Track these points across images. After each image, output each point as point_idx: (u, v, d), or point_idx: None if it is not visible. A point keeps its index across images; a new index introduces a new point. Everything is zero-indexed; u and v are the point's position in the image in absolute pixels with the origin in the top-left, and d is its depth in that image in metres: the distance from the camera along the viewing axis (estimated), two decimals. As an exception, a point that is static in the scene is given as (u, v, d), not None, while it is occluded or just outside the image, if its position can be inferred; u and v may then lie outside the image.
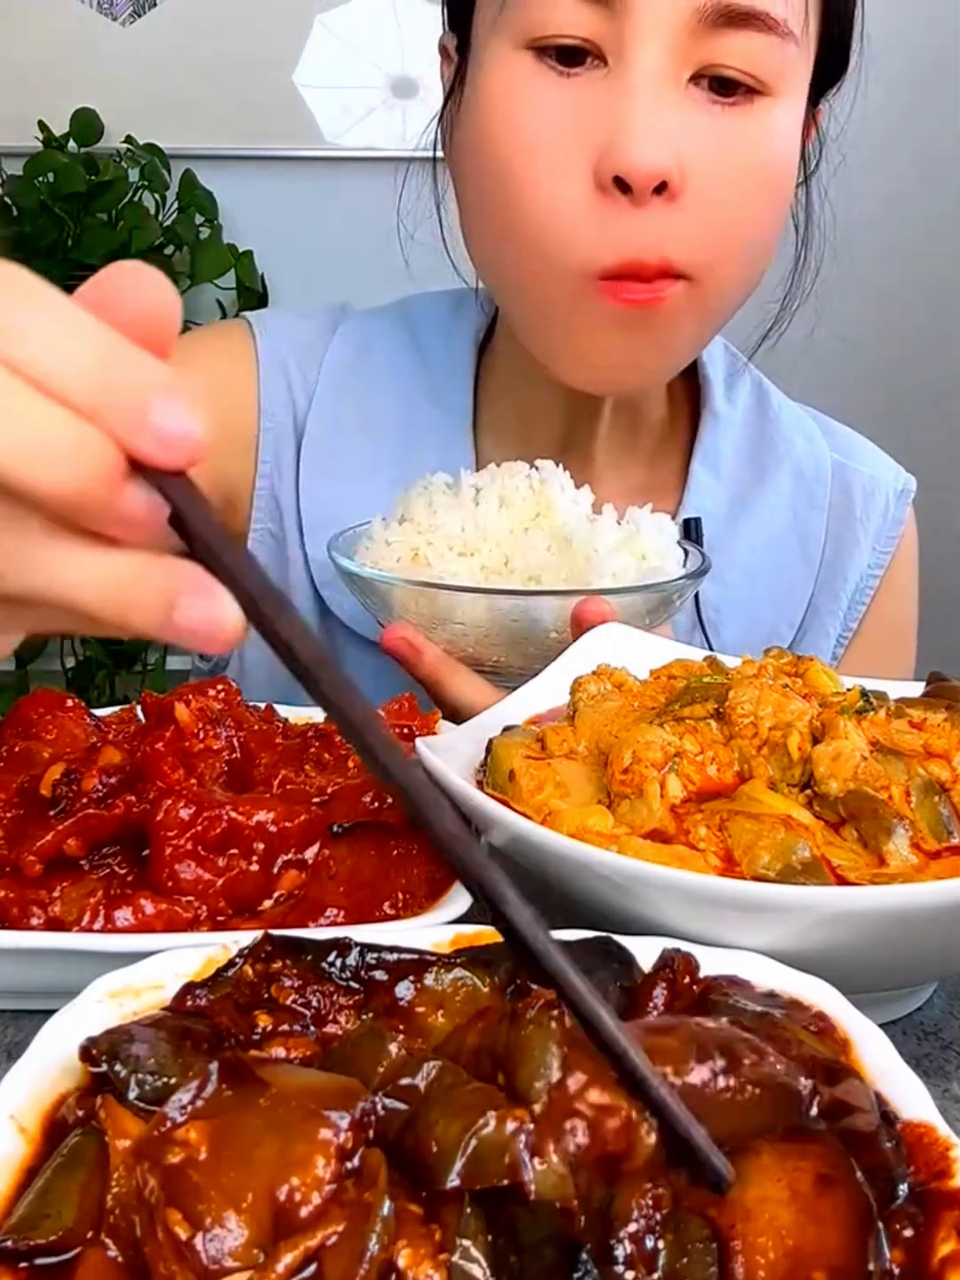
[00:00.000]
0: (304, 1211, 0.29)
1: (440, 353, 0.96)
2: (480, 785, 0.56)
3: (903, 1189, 0.33)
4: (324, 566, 0.92)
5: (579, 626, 0.70)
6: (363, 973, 0.39)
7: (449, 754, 0.56)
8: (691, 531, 0.94)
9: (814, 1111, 0.34)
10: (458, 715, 0.72)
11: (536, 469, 0.81)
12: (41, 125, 2.34)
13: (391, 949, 0.40)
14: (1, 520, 0.34)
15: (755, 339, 0.97)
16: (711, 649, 0.89)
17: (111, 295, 0.34)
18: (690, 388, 1.00)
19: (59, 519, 0.34)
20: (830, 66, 0.83)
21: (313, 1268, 0.29)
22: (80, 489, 0.33)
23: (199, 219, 2.39)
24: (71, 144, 2.36)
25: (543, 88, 0.74)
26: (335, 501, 0.91)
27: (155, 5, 2.43)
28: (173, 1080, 0.34)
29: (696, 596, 0.94)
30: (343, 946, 0.39)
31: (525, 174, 0.75)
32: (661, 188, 0.73)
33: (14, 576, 0.35)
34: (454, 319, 0.98)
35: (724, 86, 0.74)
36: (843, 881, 0.48)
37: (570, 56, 0.73)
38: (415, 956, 0.40)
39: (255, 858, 0.54)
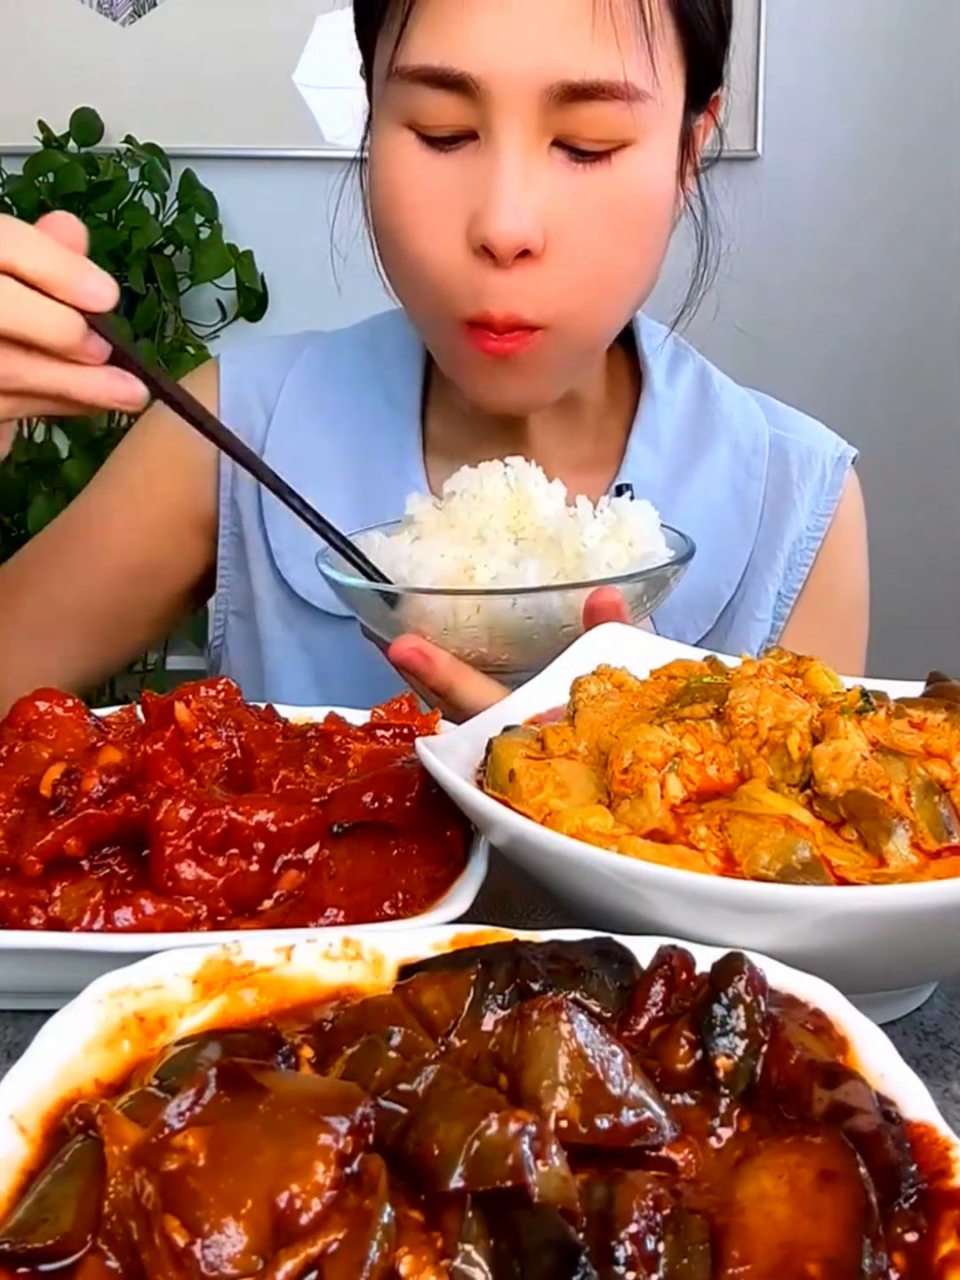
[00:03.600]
0: (304, 1218, 0.29)
1: (395, 356, 1.05)
2: (480, 785, 0.56)
3: (908, 1188, 0.33)
4: (284, 553, 1.00)
5: (592, 617, 0.72)
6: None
7: (449, 754, 0.56)
8: (622, 496, 0.98)
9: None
10: (471, 717, 0.74)
11: (508, 467, 0.84)
12: (41, 125, 2.33)
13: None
14: (21, 353, 0.66)
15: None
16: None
17: (53, 228, 0.68)
18: (631, 368, 1.06)
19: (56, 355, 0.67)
20: (709, 76, 0.87)
21: (313, 1275, 0.29)
22: (66, 340, 0.67)
23: (199, 219, 2.39)
24: (71, 144, 2.36)
25: (424, 164, 0.82)
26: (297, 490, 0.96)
27: (155, 5, 2.43)
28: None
29: None
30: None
31: (411, 239, 0.84)
32: (525, 252, 0.80)
33: (29, 377, 0.67)
34: (411, 325, 1.04)
35: (582, 152, 0.80)
36: (843, 881, 0.48)
37: (446, 138, 0.81)
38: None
39: (255, 858, 0.54)
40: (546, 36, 0.76)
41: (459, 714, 0.74)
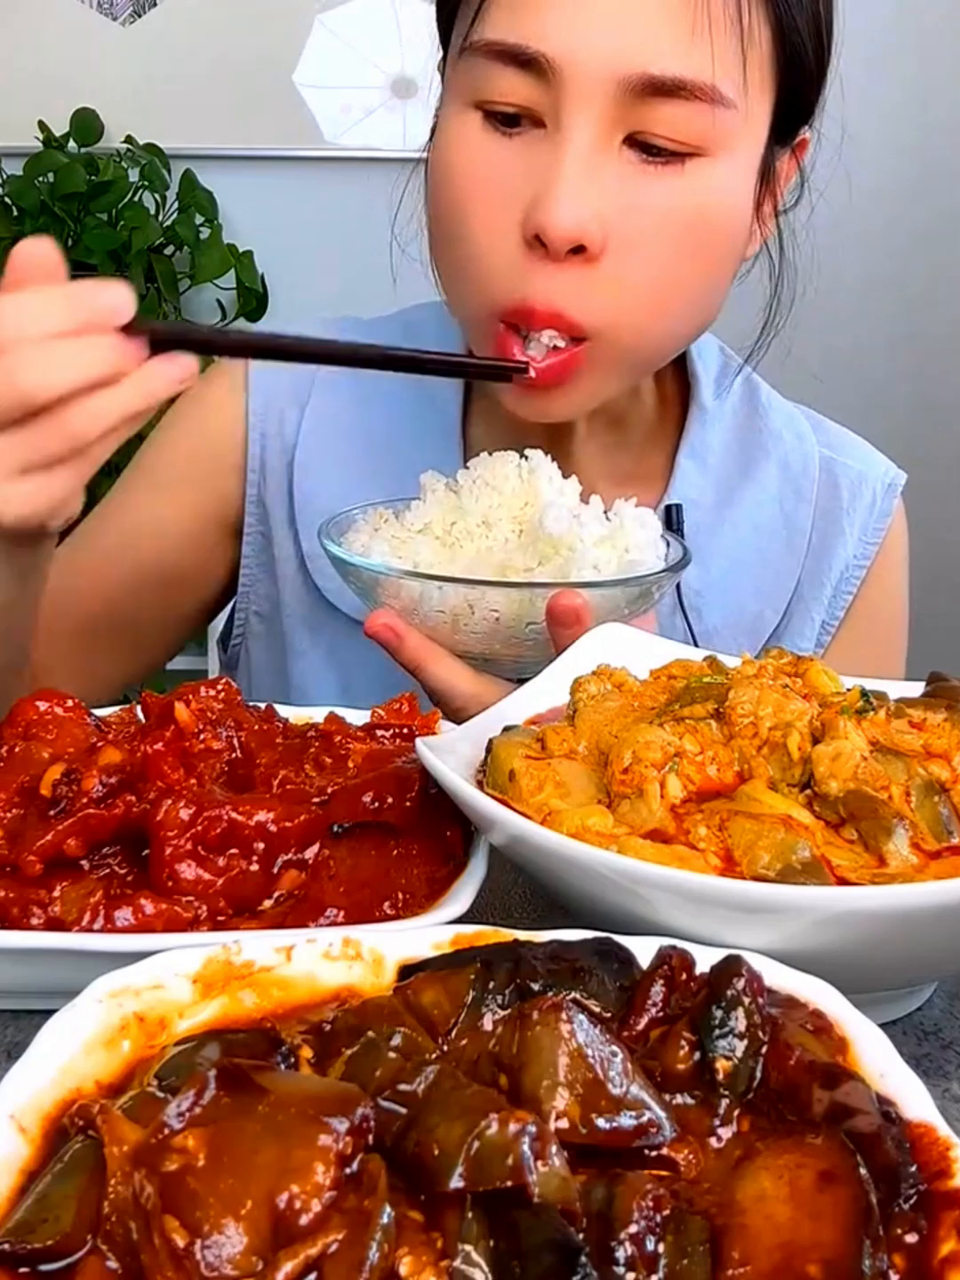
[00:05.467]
0: (304, 1219, 0.29)
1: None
2: (480, 785, 0.56)
3: (907, 1188, 0.33)
4: (316, 557, 0.98)
5: (554, 619, 0.72)
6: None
7: (449, 754, 0.56)
8: (673, 518, 0.97)
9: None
10: (439, 699, 0.75)
11: (526, 458, 0.83)
12: (41, 125, 2.34)
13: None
14: (80, 404, 0.64)
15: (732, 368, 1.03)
16: (693, 633, 0.95)
17: (32, 262, 0.65)
18: (680, 382, 1.04)
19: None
20: (799, 106, 0.84)
21: (313, 1276, 0.29)
22: (113, 367, 0.65)
23: (199, 219, 2.40)
24: (71, 144, 2.36)
25: (487, 145, 0.79)
26: (327, 496, 0.96)
27: (155, 5, 2.43)
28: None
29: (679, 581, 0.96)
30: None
31: (464, 221, 0.80)
32: (581, 249, 0.77)
33: (103, 420, 0.65)
34: (451, 324, 1.00)
35: (655, 149, 0.77)
36: (843, 881, 0.48)
37: (512, 119, 0.78)
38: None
39: (255, 858, 0.54)
40: (632, 25, 0.73)
41: (430, 696, 0.76)
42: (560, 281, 0.78)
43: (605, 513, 0.82)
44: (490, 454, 0.84)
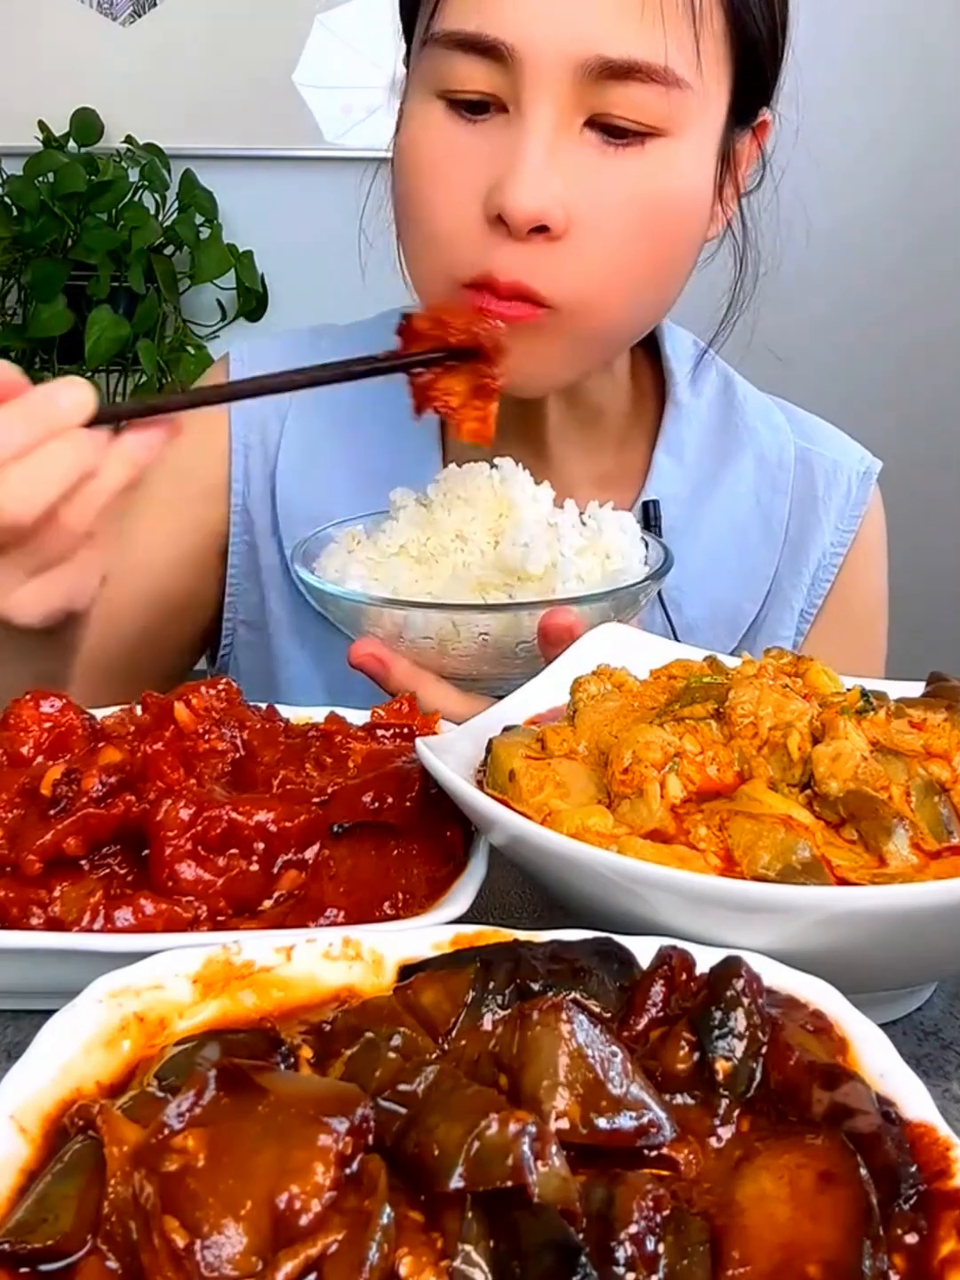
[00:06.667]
0: (304, 1219, 0.29)
1: None
2: (480, 785, 0.56)
3: (907, 1188, 0.33)
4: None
5: (545, 638, 0.72)
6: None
7: (449, 754, 0.56)
8: (650, 515, 0.97)
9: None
10: None
11: (496, 468, 0.83)
12: (41, 125, 2.34)
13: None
14: (70, 502, 0.66)
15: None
16: (673, 627, 0.95)
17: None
18: (656, 378, 1.04)
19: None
20: (756, 85, 0.85)
21: (313, 1276, 0.29)
22: (90, 463, 0.66)
23: (199, 219, 2.39)
24: (71, 144, 2.36)
25: (451, 132, 0.80)
26: (311, 503, 0.97)
27: (155, 5, 2.43)
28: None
29: None
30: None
31: (428, 204, 0.82)
32: (542, 228, 0.78)
33: (93, 509, 0.67)
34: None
35: (615, 131, 0.78)
36: (843, 881, 0.48)
37: (477, 106, 0.80)
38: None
39: (255, 858, 0.54)
40: (586, 9, 0.75)
41: None
42: (522, 256, 0.79)
43: (581, 516, 0.81)
44: (459, 466, 0.84)
